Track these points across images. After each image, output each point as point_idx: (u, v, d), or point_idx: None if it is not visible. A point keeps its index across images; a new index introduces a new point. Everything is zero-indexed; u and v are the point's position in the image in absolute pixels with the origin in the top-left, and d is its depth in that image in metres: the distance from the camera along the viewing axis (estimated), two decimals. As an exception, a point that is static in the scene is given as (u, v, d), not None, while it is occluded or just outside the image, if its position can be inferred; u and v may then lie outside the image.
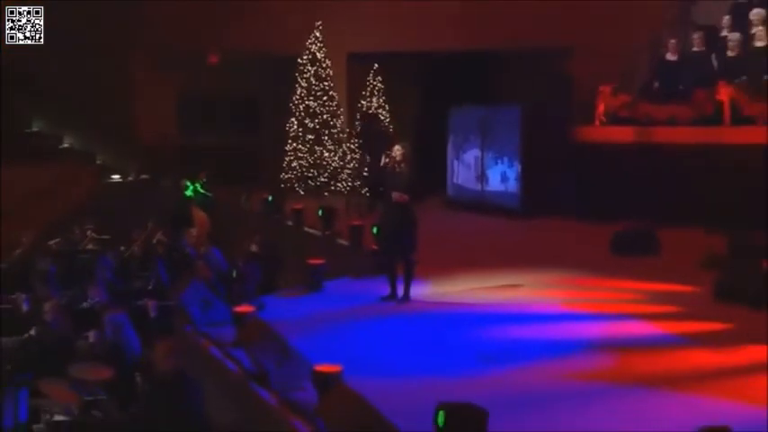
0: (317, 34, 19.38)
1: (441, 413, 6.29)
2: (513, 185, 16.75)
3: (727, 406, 7.60)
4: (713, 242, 12.17)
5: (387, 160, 12.12)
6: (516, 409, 7.44)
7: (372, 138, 18.86)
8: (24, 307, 10.74)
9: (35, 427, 8.12)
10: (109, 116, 21.02)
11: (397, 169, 11.47)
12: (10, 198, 17.23)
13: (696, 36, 15.94)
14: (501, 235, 15.85)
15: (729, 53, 15.36)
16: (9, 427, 8.08)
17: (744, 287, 11.00)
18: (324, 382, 7.43)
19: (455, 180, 18.01)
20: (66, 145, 21.52)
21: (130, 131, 21.15)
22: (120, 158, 21.03)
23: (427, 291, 11.66)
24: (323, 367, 7.55)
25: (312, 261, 12.39)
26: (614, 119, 15.69)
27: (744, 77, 14.73)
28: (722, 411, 7.37)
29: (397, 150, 11.72)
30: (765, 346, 9.31)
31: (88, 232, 14.98)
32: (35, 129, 21.81)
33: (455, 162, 17.95)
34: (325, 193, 18.95)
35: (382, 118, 18.84)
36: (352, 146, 19.37)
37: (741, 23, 15.31)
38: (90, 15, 20.14)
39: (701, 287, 11.49)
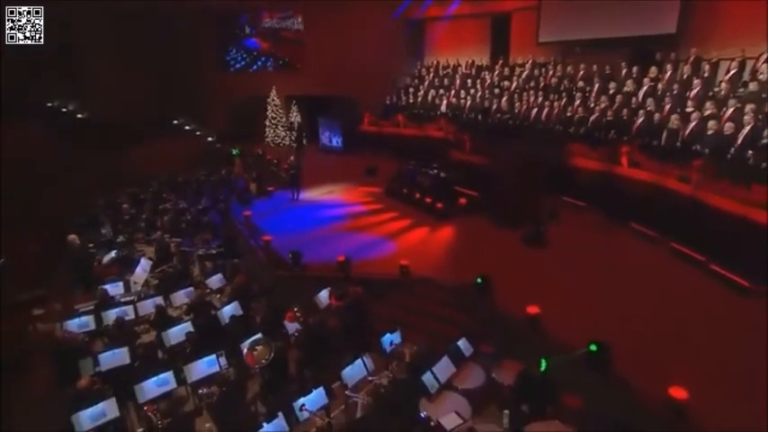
0: (274, 89, 18.20)
1: (290, 253, 7.25)
2: (340, 143, 16.37)
3: (374, 238, 8.27)
4: (395, 167, 11.35)
5: (289, 161, 11.67)
6: (322, 243, 8.07)
7: (294, 126, 18.21)
8: (184, 206, 10.08)
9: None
10: (203, 117, 19.41)
11: (293, 163, 11.41)
12: (171, 154, 15.22)
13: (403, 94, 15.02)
14: (334, 164, 14.66)
15: (410, 100, 13.84)
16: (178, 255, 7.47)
17: (396, 190, 10.72)
18: (265, 243, 8.00)
19: (322, 141, 17.25)
20: (188, 128, 19.62)
21: (211, 124, 19.42)
22: (209, 134, 19.20)
23: (305, 195, 11.34)
24: (265, 237, 8.14)
25: (269, 187, 11.82)
26: (371, 124, 15.16)
27: (409, 112, 13.67)
28: (372, 241, 8.17)
29: (292, 158, 11.76)
30: (395, 213, 9.47)
31: (202, 170, 13.79)
32: (179, 121, 19.64)
33: (322, 136, 17.20)
34: (280, 145, 18.19)
35: (298, 121, 17.72)
36: (288, 130, 18.32)
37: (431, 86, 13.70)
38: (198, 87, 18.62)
39: (384, 188, 11.13)
